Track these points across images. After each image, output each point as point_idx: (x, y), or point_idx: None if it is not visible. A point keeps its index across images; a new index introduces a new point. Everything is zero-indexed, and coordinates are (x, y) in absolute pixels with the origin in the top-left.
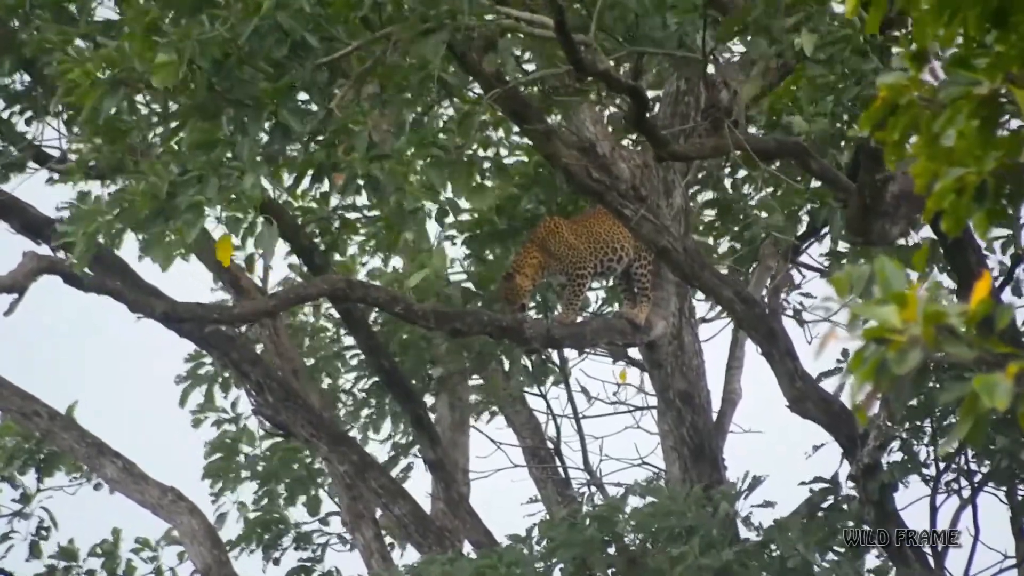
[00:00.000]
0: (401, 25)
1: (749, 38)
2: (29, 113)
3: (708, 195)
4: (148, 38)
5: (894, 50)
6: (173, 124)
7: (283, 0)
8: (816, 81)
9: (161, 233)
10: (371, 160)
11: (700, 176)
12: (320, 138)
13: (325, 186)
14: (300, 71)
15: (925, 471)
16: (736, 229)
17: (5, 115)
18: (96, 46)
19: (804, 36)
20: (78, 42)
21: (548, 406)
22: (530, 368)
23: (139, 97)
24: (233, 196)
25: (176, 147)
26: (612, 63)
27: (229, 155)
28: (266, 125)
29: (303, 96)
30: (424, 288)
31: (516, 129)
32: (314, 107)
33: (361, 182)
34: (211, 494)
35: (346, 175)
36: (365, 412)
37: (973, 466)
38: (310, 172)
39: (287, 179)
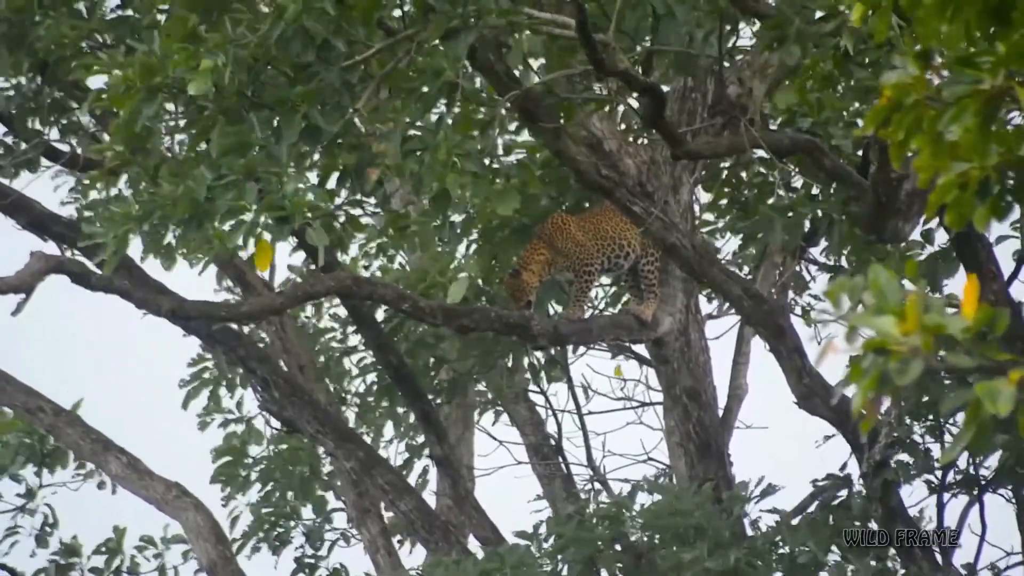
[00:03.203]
0: (428, 24)
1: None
2: (37, 111)
3: (723, 196)
4: (189, 46)
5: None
6: (197, 128)
7: (307, 4)
8: (863, 84)
9: (197, 236)
10: (405, 154)
11: (711, 165)
12: (340, 141)
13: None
14: (328, 73)
15: (930, 475)
16: (746, 225)
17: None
18: (127, 49)
19: (846, 36)
20: (90, 40)
21: (548, 402)
22: (538, 365)
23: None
24: (276, 204)
25: (203, 152)
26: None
27: (261, 158)
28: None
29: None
30: (452, 293)
31: (518, 125)
32: (342, 107)
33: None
34: (222, 499)
35: (379, 170)
36: (372, 414)
37: (981, 466)
38: (336, 173)
39: (312, 179)
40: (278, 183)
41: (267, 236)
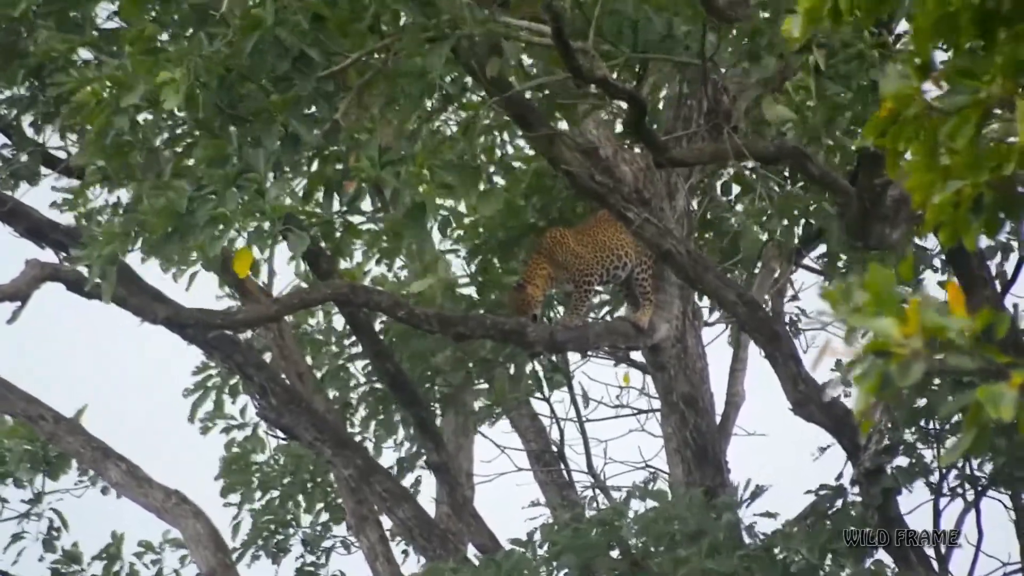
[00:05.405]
0: (404, 36)
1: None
2: (35, 119)
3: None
4: (149, 58)
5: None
6: (180, 146)
7: (282, 16)
8: (834, 100)
9: (181, 251)
10: (383, 166)
11: (701, 183)
12: (327, 152)
13: (335, 198)
14: (305, 83)
15: (930, 478)
16: (724, 243)
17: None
18: (99, 63)
19: (816, 52)
20: (83, 52)
21: (551, 410)
22: (541, 375)
23: (144, 114)
24: (255, 210)
25: (188, 165)
26: (614, 68)
27: (241, 168)
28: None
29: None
30: (428, 296)
31: (519, 132)
32: (321, 117)
33: (371, 187)
34: (234, 506)
35: (356, 183)
36: (373, 426)
37: (977, 470)
38: (322, 186)
39: (297, 187)
40: (258, 190)
41: (242, 242)
